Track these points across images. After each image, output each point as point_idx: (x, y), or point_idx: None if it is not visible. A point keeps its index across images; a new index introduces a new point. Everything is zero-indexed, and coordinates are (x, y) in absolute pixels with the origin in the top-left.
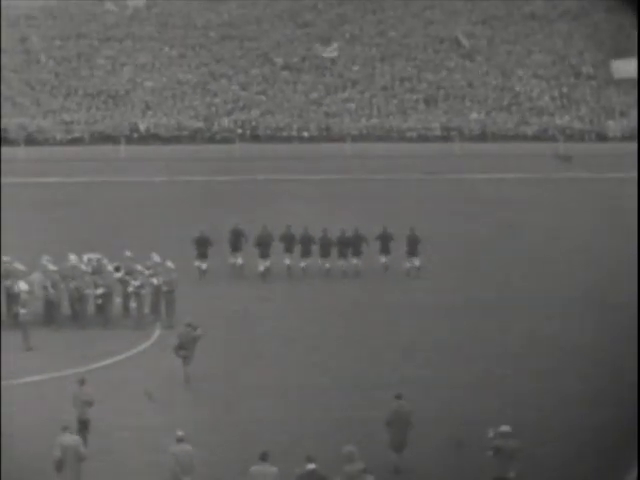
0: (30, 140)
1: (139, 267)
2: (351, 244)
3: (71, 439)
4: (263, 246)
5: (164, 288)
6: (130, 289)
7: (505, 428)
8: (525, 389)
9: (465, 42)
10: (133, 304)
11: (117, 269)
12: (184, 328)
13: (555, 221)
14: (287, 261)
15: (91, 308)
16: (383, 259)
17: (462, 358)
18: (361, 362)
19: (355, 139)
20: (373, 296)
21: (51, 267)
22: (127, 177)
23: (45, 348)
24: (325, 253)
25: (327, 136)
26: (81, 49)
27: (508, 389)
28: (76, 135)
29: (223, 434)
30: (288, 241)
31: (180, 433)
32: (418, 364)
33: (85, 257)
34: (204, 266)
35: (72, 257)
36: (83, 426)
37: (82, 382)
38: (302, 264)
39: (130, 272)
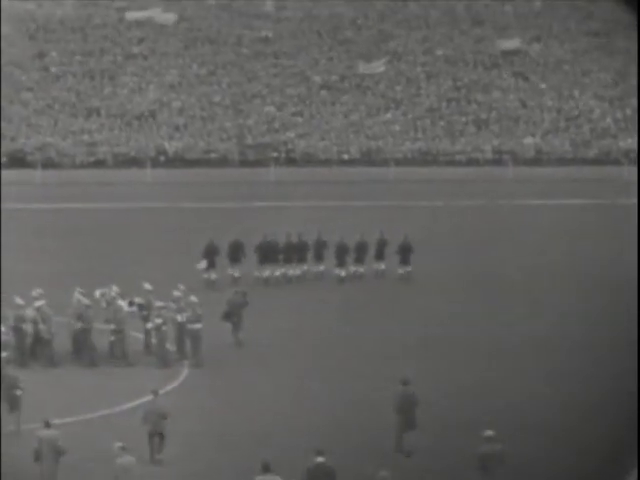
0: (48, 163)
1: (158, 302)
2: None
3: (49, 432)
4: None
5: (188, 325)
6: (149, 325)
7: (489, 433)
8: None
9: None
10: (154, 340)
11: (131, 304)
12: (233, 295)
13: (613, 251)
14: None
15: (104, 345)
16: (401, 270)
17: None
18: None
19: (398, 163)
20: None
21: (38, 302)
22: (153, 203)
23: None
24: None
25: (368, 160)
26: (104, 66)
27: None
28: (98, 158)
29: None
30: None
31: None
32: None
33: (97, 292)
34: (213, 276)
35: (77, 290)
36: (159, 439)
37: (155, 394)
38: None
39: (149, 307)
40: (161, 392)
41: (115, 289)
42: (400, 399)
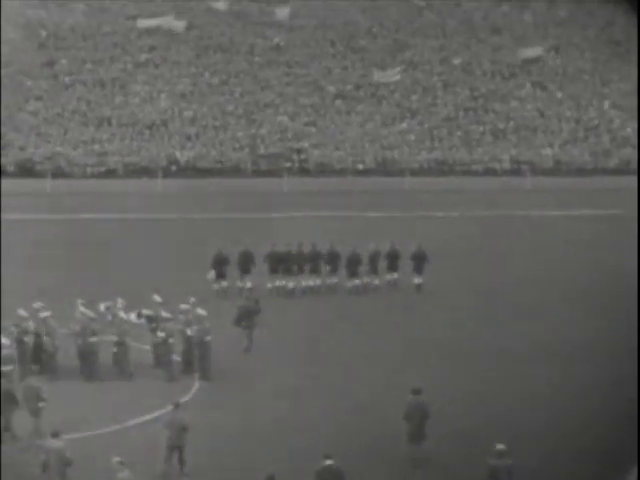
0: (58, 173)
1: (165, 314)
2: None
3: (57, 443)
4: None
5: (196, 338)
6: (157, 339)
7: (500, 447)
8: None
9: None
10: (161, 353)
11: (139, 316)
12: (245, 301)
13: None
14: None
15: (107, 358)
16: (416, 280)
17: None
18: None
19: (414, 173)
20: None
21: (43, 314)
22: (164, 213)
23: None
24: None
25: (384, 170)
26: (114, 74)
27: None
28: (109, 167)
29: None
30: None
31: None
32: None
33: (102, 305)
34: (224, 284)
35: (80, 302)
36: (179, 452)
37: (177, 406)
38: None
39: (157, 319)
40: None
41: (120, 301)
42: (411, 408)
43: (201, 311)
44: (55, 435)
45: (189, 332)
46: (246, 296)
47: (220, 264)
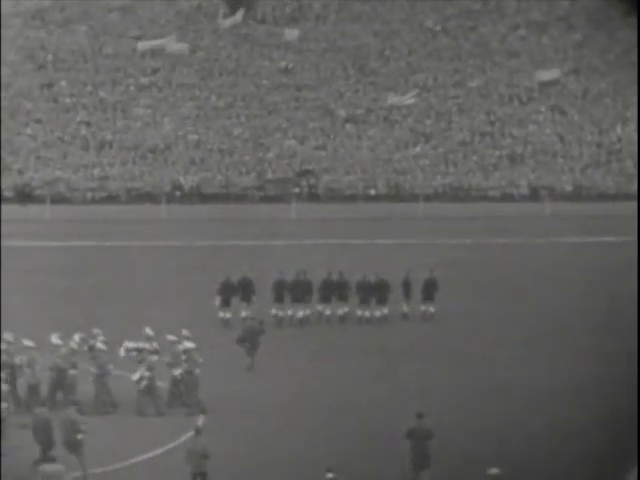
0: (57, 198)
1: (151, 346)
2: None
3: (53, 468)
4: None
5: (183, 373)
6: (136, 376)
7: (494, 471)
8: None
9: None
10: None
11: (127, 350)
12: (249, 321)
13: None
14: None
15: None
16: (425, 307)
17: None
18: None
19: (428, 199)
20: None
21: (26, 343)
22: (168, 241)
23: None
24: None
25: (396, 195)
26: (116, 97)
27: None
28: (110, 193)
29: None
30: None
31: None
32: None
33: (77, 336)
34: (227, 315)
35: (54, 335)
36: (202, 479)
37: (198, 432)
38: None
39: (143, 352)
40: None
41: (97, 332)
42: (414, 433)
43: (189, 344)
44: (52, 460)
45: (174, 366)
46: (251, 317)
47: (227, 292)
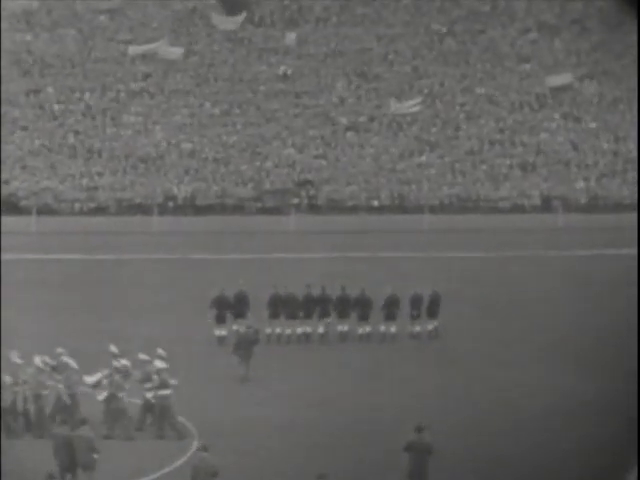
0: (44, 209)
1: (119, 363)
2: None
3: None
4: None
5: (153, 395)
6: (102, 396)
7: None
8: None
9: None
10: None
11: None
12: (244, 329)
13: None
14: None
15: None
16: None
17: None
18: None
19: (434, 210)
20: None
21: None
22: (160, 254)
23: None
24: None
25: (400, 207)
26: (106, 104)
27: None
28: (100, 204)
29: None
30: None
31: None
32: None
33: (37, 358)
34: (223, 332)
35: (13, 354)
36: None
37: (204, 449)
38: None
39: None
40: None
41: (61, 351)
42: (413, 446)
43: (160, 364)
44: (52, 477)
45: (144, 388)
46: (246, 325)
47: (221, 307)
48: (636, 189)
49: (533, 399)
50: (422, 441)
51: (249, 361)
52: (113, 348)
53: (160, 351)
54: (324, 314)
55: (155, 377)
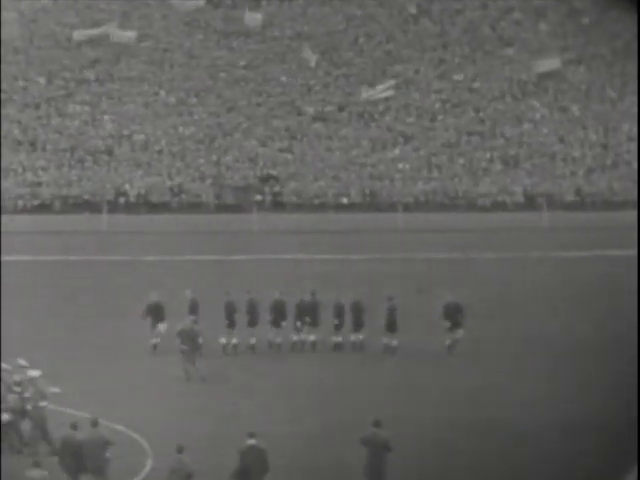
0: None
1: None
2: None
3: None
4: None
5: (28, 407)
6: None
7: None
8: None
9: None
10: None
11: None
12: (189, 323)
13: None
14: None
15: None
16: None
17: None
18: None
19: (408, 208)
20: None
21: None
22: (110, 255)
23: None
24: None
25: (372, 204)
26: (51, 92)
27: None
28: (44, 201)
29: None
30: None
31: None
32: None
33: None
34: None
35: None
36: None
37: (180, 450)
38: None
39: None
40: None
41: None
42: (369, 441)
43: (34, 372)
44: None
45: (10, 398)
46: (189, 319)
47: (155, 313)
48: (627, 185)
49: (525, 401)
50: (379, 436)
51: (195, 356)
52: (22, 361)
53: (21, 361)
54: (280, 321)
55: (30, 387)
